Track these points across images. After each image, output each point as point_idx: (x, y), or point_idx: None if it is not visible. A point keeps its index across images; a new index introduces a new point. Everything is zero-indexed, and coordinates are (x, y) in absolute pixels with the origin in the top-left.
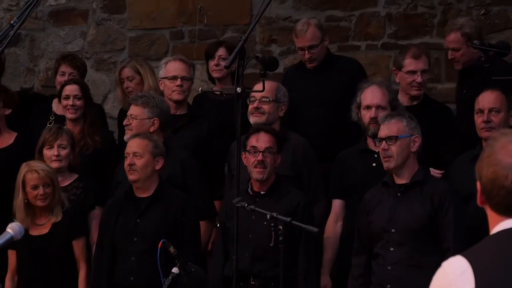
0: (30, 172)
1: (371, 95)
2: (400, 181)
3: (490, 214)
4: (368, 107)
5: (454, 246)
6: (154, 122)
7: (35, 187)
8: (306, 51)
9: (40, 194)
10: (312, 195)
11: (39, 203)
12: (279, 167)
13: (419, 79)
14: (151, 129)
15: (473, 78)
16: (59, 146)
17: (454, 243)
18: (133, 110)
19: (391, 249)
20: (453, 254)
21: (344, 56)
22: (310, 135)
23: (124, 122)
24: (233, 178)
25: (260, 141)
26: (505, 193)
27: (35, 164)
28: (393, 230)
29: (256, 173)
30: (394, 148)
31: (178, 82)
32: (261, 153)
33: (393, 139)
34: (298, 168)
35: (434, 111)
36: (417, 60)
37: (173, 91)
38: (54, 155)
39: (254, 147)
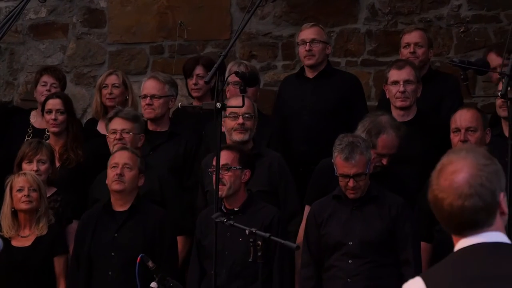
0: (17, 176)
1: (389, 145)
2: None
3: None
4: (384, 156)
5: (414, 258)
6: (141, 138)
7: (21, 190)
8: (308, 43)
9: (24, 196)
10: (289, 209)
11: (23, 205)
12: (255, 182)
13: (401, 88)
14: (139, 145)
15: (424, 91)
16: (38, 161)
17: (414, 255)
18: (124, 124)
19: (349, 261)
20: (414, 265)
21: (344, 71)
22: (299, 143)
23: (116, 137)
24: (207, 194)
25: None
26: (447, 215)
27: (24, 170)
28: (350, 243)
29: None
30: (362, 183)
31: (147, 100)
32: None
33: (362, 176)
34: (274, 183)
35: (428, 125)
36: (400, 70)
37: (144, 109)
38: (33, 170)
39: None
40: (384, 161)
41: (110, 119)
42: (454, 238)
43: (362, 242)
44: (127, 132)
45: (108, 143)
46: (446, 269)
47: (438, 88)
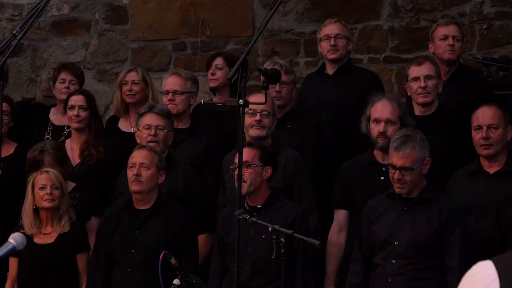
0: (40, 173)
1: (381, 109)
2: (408, 195)
3: None
4: (377, 121)
5: (459, 265)
6: (171, 135)
7: (43, 188)
8: (333, 38)
9: (47, 194)
10: (304, 207)
11: (45, 204)
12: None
13: (422, 84)
14: (169, 142)
15: (455, 87)
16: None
17: (459, 262)
18: (159, 120)
19: (393, 261)
20: (458, 272)
21: (364, 68)
22: None
23: (151, 133)
24: (226, 191)
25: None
26: None
27: (46, 168)
28: (396, 243)
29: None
30: (408, 178)
31: (169, 96)
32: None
33: (409, 171)
34: (290, 181)
35: (449, 119)
36: (420, 66)
37: (166, 105)
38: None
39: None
40: (381, 128)
41: (143, 114)
42: None
43: (408, 243)
44: (161, 129)
45: (138, 137)
46: None
47: (469, 84)
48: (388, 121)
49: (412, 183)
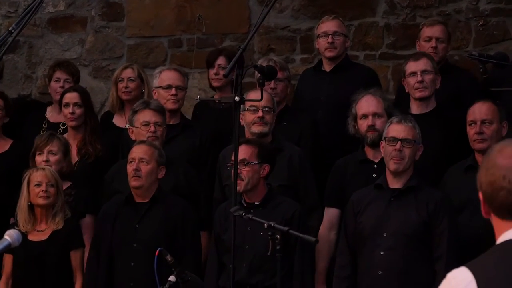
0: (35, 170)
1: (366, 104)
2: (394, 185)
3: (495, 222)
4: (365, 116)
5: (447, 255)
6: (164, 130)
7: (39, 185)
8: (330, 36)
9: (42, 191)
10: (308, 205)
11: (40, 200)
12: (275, 177)
13: (419, 78)
14: (164, 137)
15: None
16: (48, 152)
17: (448, 252)
18: (157, 117)
19: (381, 252)
20: (446, 262)
21: (362, 64)
22: None
23: (150, 130)
24: (225, 188)
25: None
26: (505, 193)
27: (42, 165)
28: (385, 234)
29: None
30: (407, 152)
31: (173, 91)
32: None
33: (411, 143)
34: (295, 178)
35: (446, 119)
36: (417, 61)
37: (168, 100)
38: (43, 161)
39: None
40: (369, 122)
41: (138, 111)
42: (502, 224)
43: (396, 234)
44: (159, 125)
45: (133, 134)
46: (493, 260)
47: (452, 83)
48: (375, 114)
49: (409, 160)
